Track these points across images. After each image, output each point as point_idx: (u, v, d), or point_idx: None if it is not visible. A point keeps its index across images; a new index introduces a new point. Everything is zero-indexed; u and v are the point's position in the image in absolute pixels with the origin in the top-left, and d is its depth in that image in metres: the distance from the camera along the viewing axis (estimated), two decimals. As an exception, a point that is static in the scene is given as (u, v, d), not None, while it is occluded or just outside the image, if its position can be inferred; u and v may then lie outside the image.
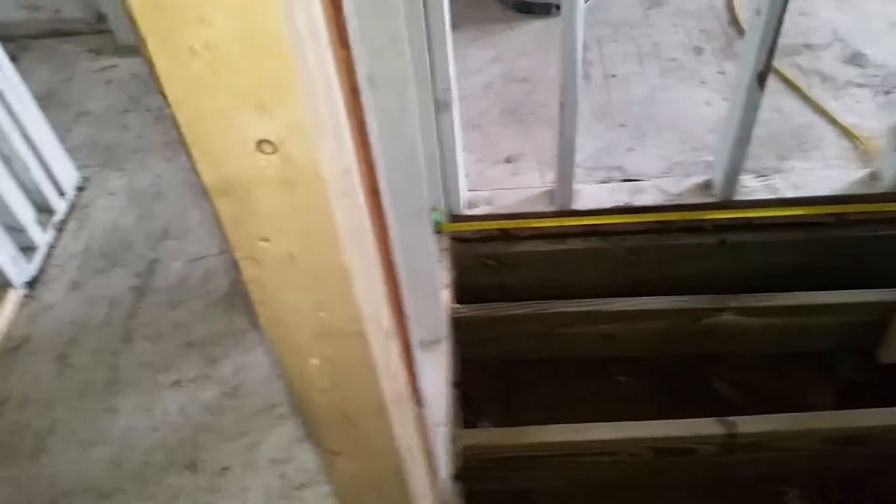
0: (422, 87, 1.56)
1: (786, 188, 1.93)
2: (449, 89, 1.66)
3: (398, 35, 1.11)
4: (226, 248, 1.83)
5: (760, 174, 1.98)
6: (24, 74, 1.96)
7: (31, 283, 1.86)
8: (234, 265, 0.62)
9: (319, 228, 0.60)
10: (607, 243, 1.94)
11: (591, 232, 1.94)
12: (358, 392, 0.77)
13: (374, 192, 0.75)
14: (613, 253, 1.94)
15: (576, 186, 1.97)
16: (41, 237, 1.93)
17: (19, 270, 1.83)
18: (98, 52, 2.62)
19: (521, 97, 2.33)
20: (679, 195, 1.94)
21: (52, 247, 1.96)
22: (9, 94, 1.84)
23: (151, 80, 0.49)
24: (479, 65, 2.46)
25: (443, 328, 1.66)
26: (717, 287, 1.89)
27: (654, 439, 1.59)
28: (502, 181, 2.05)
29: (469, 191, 2.01)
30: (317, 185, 0.56)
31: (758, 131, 1.94)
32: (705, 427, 1.59)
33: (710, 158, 1.97)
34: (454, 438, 1.54)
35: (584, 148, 2.12)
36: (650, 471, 1.69)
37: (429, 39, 1.55)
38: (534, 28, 2.60)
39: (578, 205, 1.94)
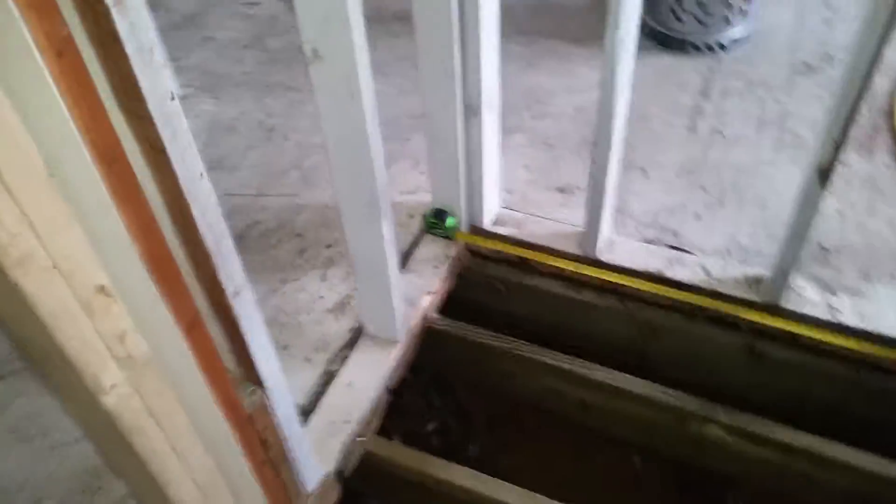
0: (444, 88, 1.52)
1: (850, 313, 1.62)
2: (479, 96, 1.58)
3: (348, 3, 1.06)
4: (262, 192, 1.90)
5: (829, 288, 1.68)
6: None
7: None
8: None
9: None
10: (623, 307, 1.76)
11: (609, 289, 1.77)
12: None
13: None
14: (626, 319, 1.76)
15: (616, 238, 1.82)
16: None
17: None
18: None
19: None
20: (720, 281, 1.70)
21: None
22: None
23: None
24: (583, 86, 2.32)
25: (396, 332, 1.60)
26: (727, 395, 1.64)
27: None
28: (543, 208, 1.93)
29: (503, 207, 1.92)
30: None
31: (853, 238, 1.67)
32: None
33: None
34: (358, 441, 1.48)
35: (649, 201, 1.94)
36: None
37: (463, 45, 1.49)
38: (662, 62, 2.40)
39: (608, 257, 1.77)
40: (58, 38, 0.62)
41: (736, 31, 2.37)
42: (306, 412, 1.50)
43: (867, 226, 1.59)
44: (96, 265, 0.69)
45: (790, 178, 1.98)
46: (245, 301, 0.98)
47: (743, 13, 2.37)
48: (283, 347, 1.63)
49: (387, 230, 1.39)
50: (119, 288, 0.72)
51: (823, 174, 1.39)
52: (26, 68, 0.60)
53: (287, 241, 1.86)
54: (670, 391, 1.61)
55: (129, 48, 0.68)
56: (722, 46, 2.39)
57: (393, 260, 1.46)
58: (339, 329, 1.66)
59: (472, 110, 1.61)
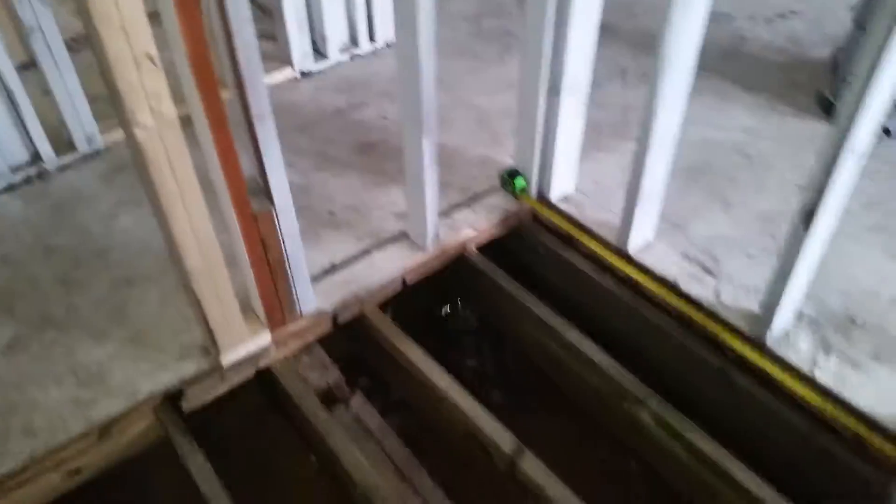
0: (533, 66, 1.82)
1: (831, 375, 1.63)
2: (561, 79, 1.85)
3: None
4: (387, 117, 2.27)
5: (826, 348, 1.69)
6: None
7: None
8: None
9: None
10: (633, 301, 1.91)
11: (626, 281, 1.94)
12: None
13: None
14: (630, 312, 1.91)
15: (656, 242, 1.97)
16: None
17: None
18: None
19: (723, 166, 2.26)
20: (725, 307, 1.79)
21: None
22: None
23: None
24: (729, 125, 2.42)
25: (426, 241, 1.94)
26: (682, 399, 1.74)
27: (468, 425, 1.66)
28: (611, 199, 2.11)
29: (576, 190, 2.15)
30: None
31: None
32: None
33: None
34: (357, 299, 1.87)
35: (712, 229, 2.05)
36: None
37: (556, 34, 1.77)
38: (815, 128, 2.39)
39: (639, 255, 1.94)
40: None
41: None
42: (334, 269, 1.93)
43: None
44: (150, 39, 1.16)
45: (867, 257, 1.95)
46: (266, 128, 1.42)
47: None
48: (348, 226, 2.07)
49: (427, 148, 1.74)
50: (165, 65, 1.19)
51: (806, 216, 1.46)
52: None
53: (394, 156, 2.27)
54: (624, 371, 1.76)
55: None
56: (887, 132, 2.33)
57: (432, 177, 1.81)
58: (393, 227, 2.06)
59: (554, 90, 1.89)
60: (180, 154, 1.31)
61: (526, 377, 2.07)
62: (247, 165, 1.47)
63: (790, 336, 1.72)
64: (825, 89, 2.45)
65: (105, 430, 1.64)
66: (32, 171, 2.28)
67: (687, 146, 2.34)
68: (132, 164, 1.37)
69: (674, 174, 2.21)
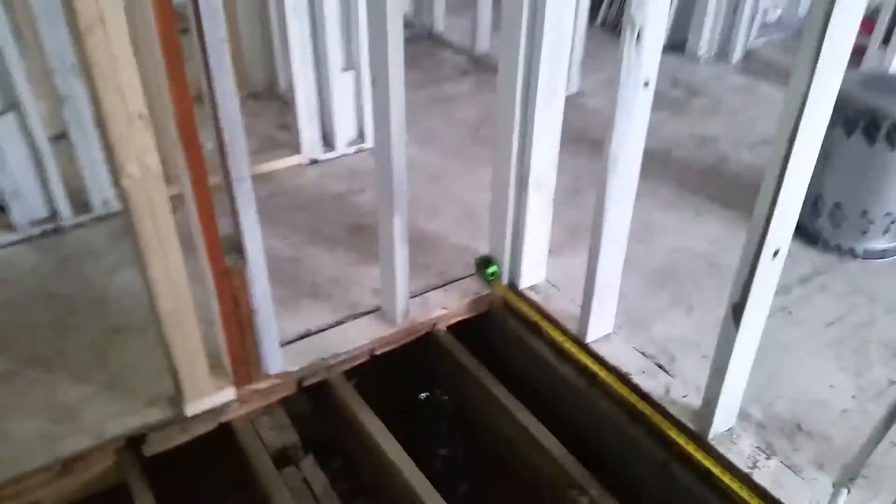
0: (503, 161, 2.00)
1: (769, 477, 1.66)
2: (528, 176, 2.01)
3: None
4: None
5: (767, 450, 1.73)
6: None
7: (304, 158, 2.90)
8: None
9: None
10: (588, 389, 1.98)
11: (583, 369, 2.01)
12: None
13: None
14: (584, 400, 1.98)
15: (614, 335, 2.06)
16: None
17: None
18: None
19: (690, 273, 2.36)
20: (673, 403, 1.85)
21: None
22: None
23: None
24: (697, 233, 2.55)
25: (395, 315, 2.06)
26: (620, 484, 1.78)
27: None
28: (577, 292, 2.19)
29: (546, 281, 2.26)
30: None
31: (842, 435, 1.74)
32: None
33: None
34: (324, 366, 1.96)
35: (673, 329, 2.13)
36: None
37: (522, 135, 1.96)
38: (812, 258, 2.49)
39: (596, 346, 2.02)
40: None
41: (873, 242, 2.40)
42: (308, 335, 2.04)
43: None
44: (141, 100, 1.34)
45: (822, 369, 2.00)
46: (244, 189, 1.58)
47: (887, 230, 2.39)
48: (328, 297, 2.20)
49: (398, 225, 1.89)
50: (154, 124, 1.38)
51: (737, 311, 1.55)
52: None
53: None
54: (571, 457, 1.80)
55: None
56: (853, 252, 2.43)
57: (401, 254, 1.95)
58: (369, 302, 2.18)
59: (522, 186, 2.05)
60: (162, 204, 1.47)
61: (489, 462, 2.12)
62: (225, 226, 1.62)
63: (733, 435, 1.76)
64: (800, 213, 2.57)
65: (67, 465, 1.72)
66: (49, 226, 2.47)
67: (659, 252, 2.48)
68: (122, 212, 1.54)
69: (643, 276, 2.34)
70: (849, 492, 1.36)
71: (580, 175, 2.76)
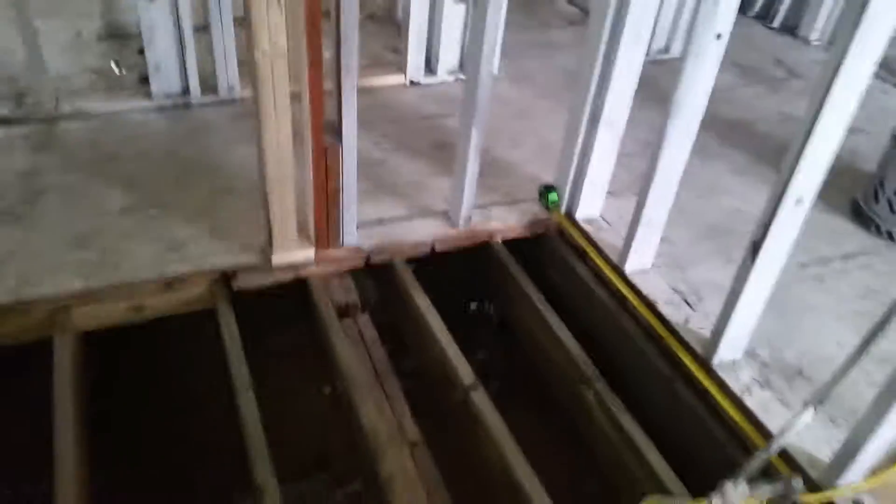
0: (581, 98, 2.21)
1: (758, 404, 1.85)
2: (601, 113, 2.21)
3: None
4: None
5: (765, 383, 1.91)
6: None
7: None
8: None
9: None
10: (615, 308, 2.21)
11: (615, 293, 2.23)
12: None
13: None
14: (612, 318, 2.20)
15: (652, 270, 2.26)
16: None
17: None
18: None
19: (740, 232, 2.51)
20: (687, 329, 2.05)
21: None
22: None
23: None
24: (757, 200, 2.68)
25: (458, 219, 2.33)
26: (628, 392, 2.01)
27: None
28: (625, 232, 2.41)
29: (600, 216, 2.48)
30: None
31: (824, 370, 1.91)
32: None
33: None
34: (389, 249, 2.27)
35: (708, 276, 2.29)
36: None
37: (601, 78, 2.15)
38: (834, 222, 2.61)
39: (632, 275, 2.23)
40: None
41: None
42: (381, 222, 2.35)
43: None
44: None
45: (840, 333, 2.13)
46: (350, 79, 1.87)
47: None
48: (404, 196, 2.50)
49: (475, 136, 2.15)
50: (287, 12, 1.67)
51: (755, 247, 1.73)
52: None
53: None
54: (585, 356, 2.06)
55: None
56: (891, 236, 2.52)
57: (473, 162, 2.21)
58: (439, 206, 2.46)
59: (593, 120, 2.25)
60: (282, 79, 1.78)
61: (519, 363, 2.39)
62: (329, 111, 1.93)
63: (735, 366, 1.96)
64: (859, 195, 2.66)
65: (171, 283, 2.11)
66: (181, 101, 2.87)
67: (716, 210, 2.63)
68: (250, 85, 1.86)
69: (694, 228, 2.52)
70: (815, 411, 1.55)
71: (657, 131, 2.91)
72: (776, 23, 4.10)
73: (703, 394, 1.93)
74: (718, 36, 1.82)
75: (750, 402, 1.86)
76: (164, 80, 2.83)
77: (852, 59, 1.44)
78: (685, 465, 1.82)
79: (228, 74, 2.88)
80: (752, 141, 3.07)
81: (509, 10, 2.30)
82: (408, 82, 3.22)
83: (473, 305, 2.65)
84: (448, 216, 2.42)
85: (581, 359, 2.08)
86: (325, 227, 2.16)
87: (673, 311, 2.12)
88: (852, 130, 3.23)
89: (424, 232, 2.36)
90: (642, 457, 1.80)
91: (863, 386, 1.90)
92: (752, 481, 1.45)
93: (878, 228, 2.56)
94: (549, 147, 2.82)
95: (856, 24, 1.40)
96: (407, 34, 3.12)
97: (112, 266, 2.09)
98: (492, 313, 2.64)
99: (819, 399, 1.56)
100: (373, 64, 3.28)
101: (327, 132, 1.97)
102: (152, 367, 2.20)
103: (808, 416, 1.54)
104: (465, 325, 2.51)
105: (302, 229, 2.17)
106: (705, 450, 1.88)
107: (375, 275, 2.31)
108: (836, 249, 2.48)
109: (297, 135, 1.89)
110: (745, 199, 2.69)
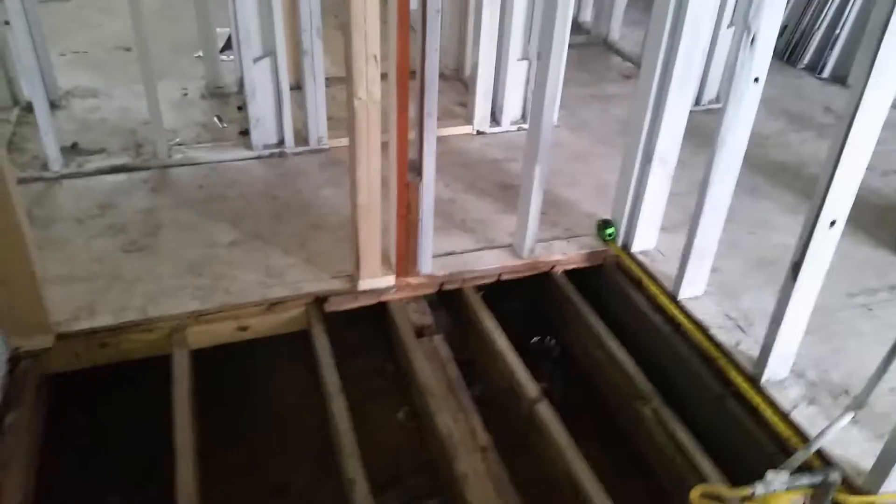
0: (634, 137, 2.46)
1: (806, 418, 2.00)
2: (654, 150, 2.45)
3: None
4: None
5: (812, 400, 2.06)
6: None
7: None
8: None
9: None
10: (669, 334, 2.39)
11: (670, 319, 2.42)
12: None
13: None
14: (666, 343, 2.39)
15: (703, 297, 2.44)
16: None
17: (474, 118, 3.47)
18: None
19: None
20: (738, 351, 2.22)
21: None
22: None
23: None
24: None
25: (522, 250, 2.58)
26: (679, 406, 2.18)
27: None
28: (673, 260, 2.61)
29: (655, 248, 2.68)
30: None
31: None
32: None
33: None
34: (462, 278, 2.52)
35: (762, 303, 2.46)
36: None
37: (653, 118, 2.40)
38: (879, 256, 2.74)
39: (686, 302, 2.42)
40: None
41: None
42: (452, 254, 2.61)
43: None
44: (378, 44, 1.96)
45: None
46: (431, 123, 2.17)
47: None
48: (472, 231, 2.77)
49: (538, 173, 2.41)
50: (382, 59, 1.99)
51: (795, 268, 1.91)
52: None
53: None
54: (642, 374, 2.24)
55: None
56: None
57: (536, 197, 2.46)
58: (504, 240, 2.71)
59: (647, 158, 2.49)
60: (375, 123, 2.09)
61: (580, 388, 2.58)
62: (411, 152, 2.23)
63: (783, 384, 2.11)
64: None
65: (272, 306, 2.41)
66: (276, 150, 3.24)
67: (767, 245, 2.81)
68: (346, 131, 2.18)
69: (746, 260, 2.70)
70: (854, 417, 1.70)
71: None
72: (826, 73, 4.27)
73: (753, 409, 2.08)
74: (756, 80, 2.05)
75: (797, 418, 2.00)
76: (263, 132, 3.20)
77: (870, 92, 1.64)
78: (735, 475, 1.97)
79: (318, 127, 3.24)
80: (801, 182, 3.23)
81: (567, 66, 2.57)
82: (475, 132, 3.52)
83: (535, 339, 2.86)
84: (513, 248, 2.66)
85: (638, 377, 2.26)
86: (405, 256, 2.43)
87: (724, 335, 2.30)
88: (896, 171, 3.36)
89: (491, 262, 2.61)
90: (695, 465, 1.96)
91: (906, 401, 2.02)
92: (792, 473, 1.61)
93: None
94: (605, 187, 3.06)
95: (872, 59, 1.61)
96: (475, 88, 3.44)
97: (223, 290, 2.41)
98: (553, 345, 2.84)
99: (858, 405, 1.71)
100: (443, 116, 3.59)
101: (410, 170, 2.26)
102: (252, 381, 2.49)
103: (847, 419, 1.70)
104: (527, 356, 2.73)
105: (384, 258, 2.45)
106: (754, 461, 2.02)
107: (448, 300, 2.57)
108: (883, 281, 2.61)
109: (382, 176, 2.20)
110: (794, 235, 2.80)
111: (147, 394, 2.26)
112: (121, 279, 2.43)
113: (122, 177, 3.02)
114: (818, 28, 4.33)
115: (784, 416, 2.02)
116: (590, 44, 4.60)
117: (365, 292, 2.45)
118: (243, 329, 2.41)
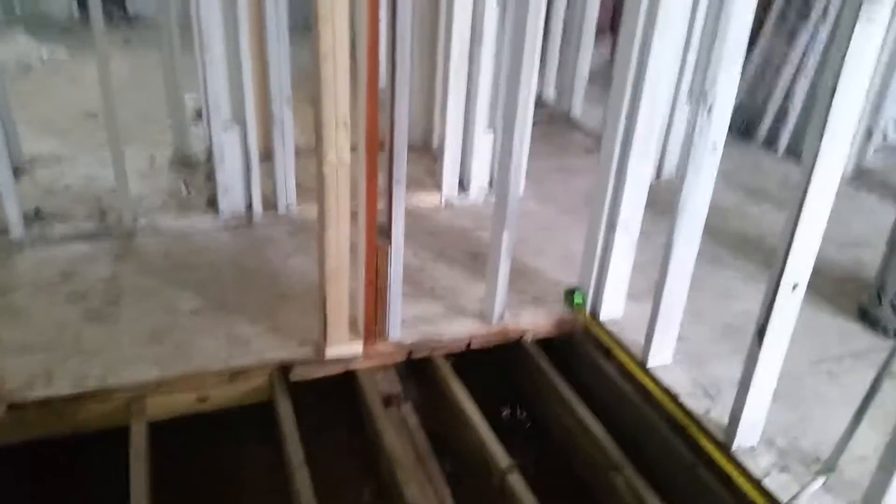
0: (598, 205, 2.51)
1: (779, 485, 1.98)
2: (617, 219, 2.49)
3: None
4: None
5: (784, 468, 2.05)
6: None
7: (442, 198, 3.53)
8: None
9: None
10: (641, 403, 2.38)
11: (639, 386, 2.41)
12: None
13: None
14: (636, 410, 2.37)
15: (673, 364, 2.45)
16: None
17: (443, 188, 3.52)
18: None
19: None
20: (708, 418, 2.22)
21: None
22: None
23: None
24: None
25: (492, 316, 2.57)
26: (652, 474, 2.15)
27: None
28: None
29: (623, 316, 2.70)
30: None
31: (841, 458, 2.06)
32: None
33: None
34: (429, 344, 2.49)
35: (730, 372, 2.47)
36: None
37: (615, 190, 2.46)
38: (839, 324, 2.79)
39: (654, 369, 2.43)
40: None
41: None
42: (421, 321, 2.59)
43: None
44: (347, 110, 1.99)
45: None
46: (400, 190, 2.18)
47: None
48: (441, 298, 2.76)
49: (506, 239, 2.43)
50: (352, 128, 2.02)
51: (761, 331, 1.94)
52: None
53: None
54: (614, 443, 2.21)
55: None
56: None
57: (505, 263, 2.48)
58: (474, 307, 2.70)
59: (611, 226, 2.53)
60: (344, 187, 2.10)
61: (551, 459, 2.54)
62: (381, 217, 2.23)
63: (754, 452, 2.10)
64: (865, 300, 2.86)
65: (234, 375, 2.34)
66: (244, 219, 3.23)
67: (732, 312, 2.85)
68: (315, 198, 2.18)
69: (712, 327, 2.72)
70: (825, 482, 1.69)
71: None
72: (780, 149, 4.45)
73: (726, 478, 2.06)
74: (714, 147, 2.11)
75: (770, 485, 1.98)
76: (231, 200, 3.19)
77: (821, 160, 1.71)
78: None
79: (287, 195, 3.25)
80: (761, 253, 3.31)
81: (531, 140, 2.64)
82: (443, 201, 3.56)
83: (506, 412, 2.81)
84: (482, 315, 2.65)
85: (610, 447, 2.23)
86: (374, 321, 2.41)
87: (693, 402, 2.29)
88: (857, 244, 3.50)
89: (461, 329, 2.59)
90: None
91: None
92: (768, 542, 1.58)
93: (884, 329, 2.74)
94: (571, 256, 3.09)
95: (821, 133, 1.68)
96: (443, 159, 3.50)
97: (184, 357, 2.34)
98: (524, 417, 2.80)
99: (828, 468, 1.71)
100: (412, 185, 3.62)
101: (379, 234, 2.26)
102: (212, 456, 2.40)
103: (818, 483, 1.69)
104: (498, 429, 2.69)
105: (352, 325, 2.42)
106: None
107: (416, 368, 2.53)
108: (846, 348, 2.66)
109: (350, 242, 2.19)
110: (758, 302, 2.87)
111: (102, 467, 2.16)
112: (80, 347, 2.35)
113: (85, 244, 2.97)
114: (770, 103, 4.53)
115: (757, 484, 2.00)
116: (553, 119, 4.74)
117: (332, 361, 2.40)
118: (203, 400, 2.33)
